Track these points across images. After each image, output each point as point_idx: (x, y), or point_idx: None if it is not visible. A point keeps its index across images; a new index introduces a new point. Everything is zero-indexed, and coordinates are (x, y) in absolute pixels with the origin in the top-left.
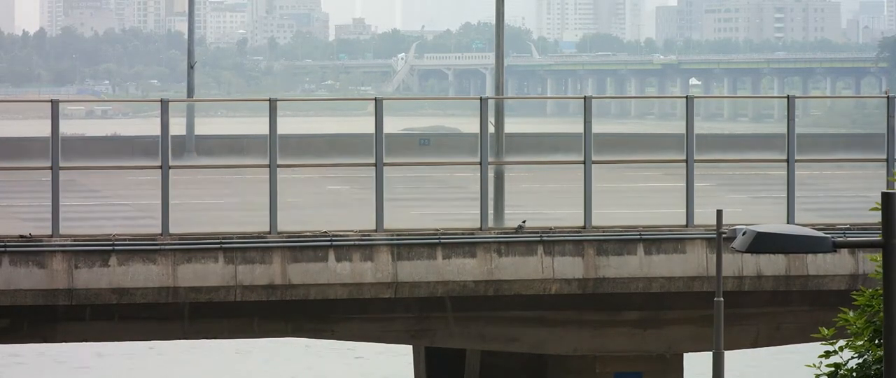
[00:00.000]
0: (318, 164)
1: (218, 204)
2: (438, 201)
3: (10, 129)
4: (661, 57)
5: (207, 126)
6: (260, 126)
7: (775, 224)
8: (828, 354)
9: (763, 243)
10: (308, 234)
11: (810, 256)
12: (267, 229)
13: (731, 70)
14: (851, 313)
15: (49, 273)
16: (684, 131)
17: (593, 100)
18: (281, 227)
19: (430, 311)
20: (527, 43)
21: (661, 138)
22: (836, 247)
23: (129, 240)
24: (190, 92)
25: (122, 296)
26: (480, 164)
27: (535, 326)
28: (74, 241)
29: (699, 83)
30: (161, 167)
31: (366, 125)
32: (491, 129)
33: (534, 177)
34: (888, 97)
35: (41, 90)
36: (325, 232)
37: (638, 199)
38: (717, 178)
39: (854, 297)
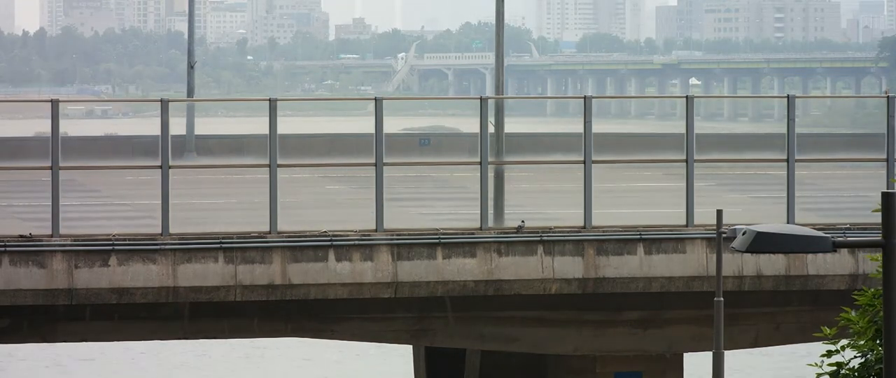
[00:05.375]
0: (318, 164)
1: (218, 204)
2: (438, 201)
3: (10, 129)
4: (662, 57)
5: (207, 126)
6: (260, 126)
7: (775, 224)
8: (830, 354)
9: (763, 243)
10: (308, 234)
11: (810, 256)
12: (267, 229)
13: (731, 70)
14: (853, 313)
15: (49, 273)
16: (684, 131)
17: (593, 100)
18: (281, 227)
19: (430, 311)
20: (527, 43)
21: (661, 138)
22: (836, 247)
23: (129, 240)
24: (190, 92)
25: (122, 296)
26: (480, 164)
27: (535, 326)
28: (74, 241)
29: (699, 83)
30: (161, 167)
31: (366, 125)
32: (491, 129)
33: (534, 177)
34: (888, 97)
35: (41, 90)
36: (325, 232)
37: (638, 199)
38: (717, 178)
39: (855, 297)
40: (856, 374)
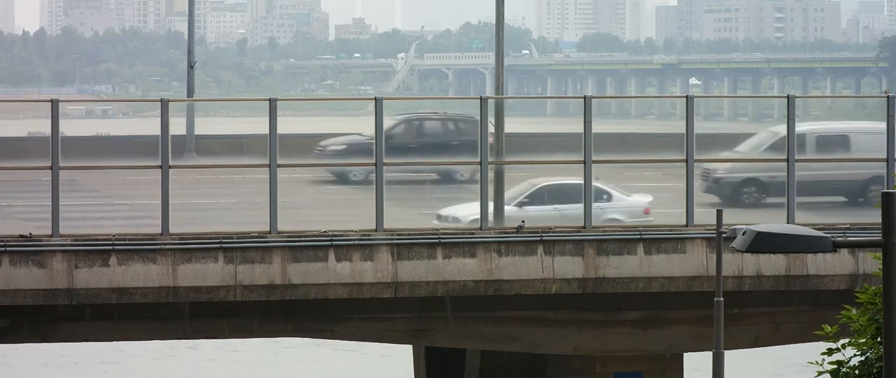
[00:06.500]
0: (317, 164)
1: (218, 204)
2: (438, 201)
3: (8, 130)
4: (662, 57)
5: (207, 126)
6: (260, 126)
7: (775, 224)
8: (830, 352)
9: (763, 243)
10: (308, 233)
11: (810, 256)
12: (267, 229)
13: (731, 70)
14: (854, 311)
15: (49, 273)
16: (684, 131)
17: (593, 99)
18: (281, 227)
19: (430, 311)
20: (527, 43)
21: (661, 138)
22: (836, 247)
23: (129, 240)
24: (190, 92)
25: (122, 296)
26: (480, 164)
27: (535, 326)
28: (74, 240)
29: (699, 83)
30: (161, 167)
31: (366, 125)
32: (491, 128)
33: (534, 177)
34: (888, 97)
35: (41, 90)
36: (325, 232)
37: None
38: None
39: (857, 294)
40: (856, 372)
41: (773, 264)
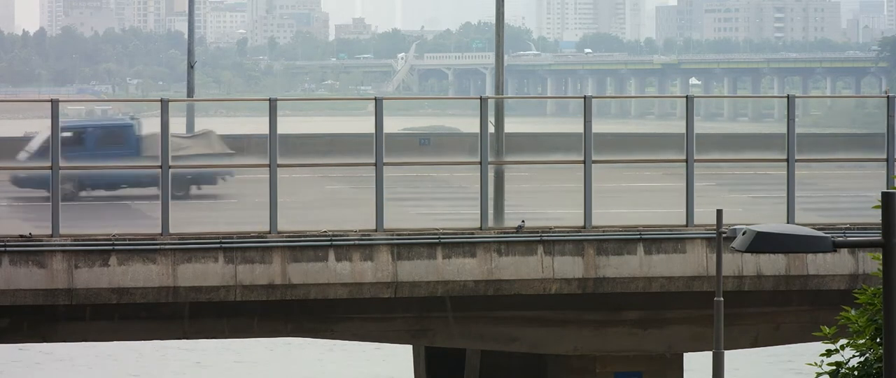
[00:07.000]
0: (318, 163)
1: (219, 204)
2: (438, 201)
3: (10, 129)
4: (662, 57)
5: (207, 126)
6: (260, 126)
7: (775, 224)
8: (829, 353)
9: (763, 243)
10: (308, 233)
11: (810, 256)
12: (267, 229)
13: (731, 70)
14: (853, 312)
15: (49, 273)
16: (684, 131)
17: (593, 99)
18: (281, 227)
19: (430, 311)
20: (527, 42)
21: (661, 138)
22: (836, 246)
23: (129, 240)
24: (190, 92)
25: (122, 296)
26: (480, 163)
27: (535, 326)
28: (74, 240)
29: (699, 83)
30: (161, 167)
31: (366, 125)
32: (491, 128)
33: (534, 177)
34: (888, 97)
35: (41, 90)
36: (325, 232)
37: (638, 199)
38: (717, 178)
39: (856, 295)
40: (855, 373)
41: (773, 264)
